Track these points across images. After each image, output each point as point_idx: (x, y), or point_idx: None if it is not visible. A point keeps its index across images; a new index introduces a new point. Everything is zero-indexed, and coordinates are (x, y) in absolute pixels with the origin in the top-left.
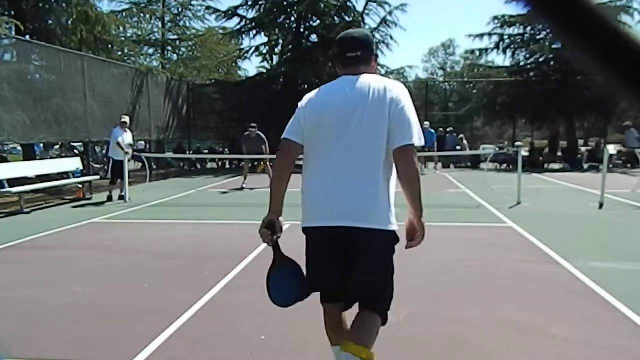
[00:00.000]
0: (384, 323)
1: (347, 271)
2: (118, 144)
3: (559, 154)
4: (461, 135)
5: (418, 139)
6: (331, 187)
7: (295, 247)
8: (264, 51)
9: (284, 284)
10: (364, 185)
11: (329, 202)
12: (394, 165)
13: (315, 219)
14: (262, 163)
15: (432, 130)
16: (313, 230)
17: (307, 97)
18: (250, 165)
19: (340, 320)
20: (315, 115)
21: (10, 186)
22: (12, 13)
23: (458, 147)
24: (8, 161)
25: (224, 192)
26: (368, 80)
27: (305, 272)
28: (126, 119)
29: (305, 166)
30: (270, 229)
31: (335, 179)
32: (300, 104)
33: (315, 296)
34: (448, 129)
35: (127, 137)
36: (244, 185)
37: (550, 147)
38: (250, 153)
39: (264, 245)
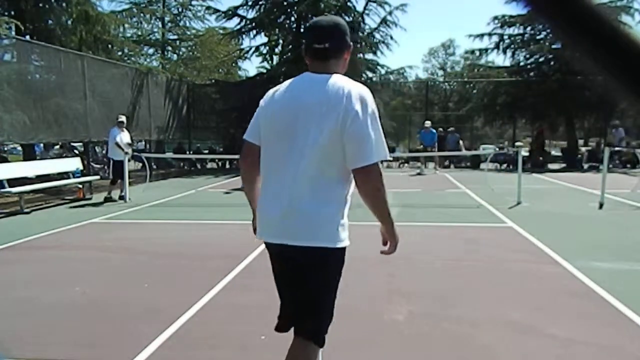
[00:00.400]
0: (322, 346)
1: (299, 286)
2: (117, 144)
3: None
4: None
5: (384, 154)
6: (273, 196)
7: None
8: (264, 51)
9: None
10: (308, 197)
11: (275, 215)
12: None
13: (263, 233)
14: None
15: (434, 130)
16: (265, 244)
17: (268, 94)
18: None
19: (297, 354)
20: (270, 116)
21: (10, 186)
22: (12, 13)
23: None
24: (8, 161)
25: (227, 192)
26: (332, 83)
27: None
28: (123, 118)
29: (262, 168)
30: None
31: (284, 190)
32: (261, 102)
33: None
34: (449, 129)
35: (125, 137)
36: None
37: (534, 146)
38: None
39: (264, 245)
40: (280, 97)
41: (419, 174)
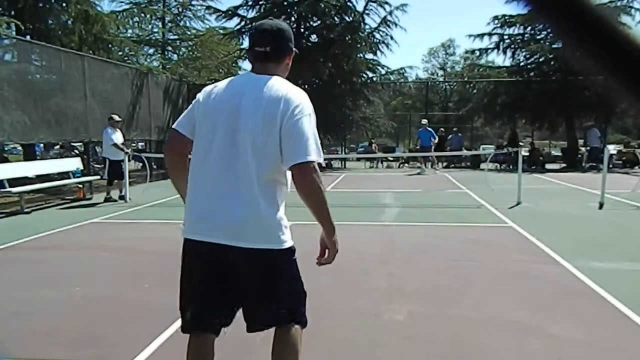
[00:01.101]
0: (305, 326)
1: (229, 297)
2: (115, 145)
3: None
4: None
5: (320, 156)
6: (214, 195)
7: (295, 242)
8: None
9: None
10: (246, 198)
11: (204, 211)
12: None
13: (191, 230)
14: None
15: (430, 129)
16: (189, 242)
17: (207, 89)
18: None
19: (207, 350)
20: (206, 112)
21: (11, 186)
22: (12, 13)
23: (462, 148)
24: (8, 161)
25: None
26: (271, 84)
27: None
28: (116, 117)
29: (191, 166)
30: None
31: (218, 186)
32: (198, 95)
33: (316, 298)
34: (453, 129)
35: (119, 136)
36: None
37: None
38: None
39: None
40: (220, 95)
41: (418, 174)
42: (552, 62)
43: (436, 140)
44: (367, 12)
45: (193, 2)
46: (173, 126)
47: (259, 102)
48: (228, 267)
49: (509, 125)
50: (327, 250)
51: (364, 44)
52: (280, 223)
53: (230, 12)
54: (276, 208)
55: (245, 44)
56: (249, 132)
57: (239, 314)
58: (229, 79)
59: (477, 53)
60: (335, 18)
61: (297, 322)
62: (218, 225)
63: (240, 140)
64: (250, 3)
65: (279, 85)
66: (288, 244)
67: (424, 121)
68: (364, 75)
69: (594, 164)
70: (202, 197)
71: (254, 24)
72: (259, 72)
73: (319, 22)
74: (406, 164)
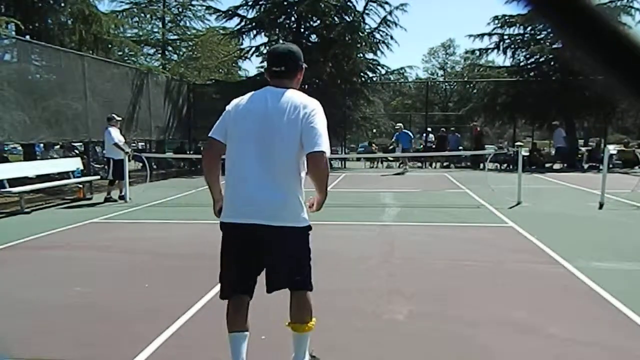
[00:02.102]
0: (311, 289)
1: (256, 263)
2: (116, 144)
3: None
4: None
5: (327, 148)
6: (248, 185)
7: None
8: (264, 51)
9: None
10: (278, 186)
11: (243, 201)
12: (305, 168)
13: (231, 216)
14: None
15: (407, 132)
16: (227, 226)
17: (235, 102)
18: None
19: (245, 308)
20: (238, 119)
21: (11, 186)
22: (12, 12)
23: (460, 148)
24: (8, 161)
25: None
26: (288, 95)
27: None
28: (116, 116)
29: (226, 164)
30: (220, 212)
31: (252, 179)
32: (227, 107)
33: (316, 298)
34: (451, 129)
35: (119, 136)
36: None
37: (476, 148)
38: None
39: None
40: (247, 105)
41: (399, 173)
42: (552, 62)
43: (413, 140)
44: (367, 12)
45: (193, 2)
46: (210, 135)
47: (282, 109)
48: (263, 242)
49: (475, 125)
50: (315, 204)
51: (364, 43)
52: (302, 206)
53: (230, 12)
54: (300, 194)
55: (245, 44)
56: (277, 133)
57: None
58: (253, 92)
59: (477, 53)
60: (335, 18)
61: (308, 289)
62: (258, 210)
63: (270, 140)
64: (250, 3)
65: (297, 96)
66: (307, 222)
67: (399, 125)
68: (364, 75)
69: (565, 164)
70: (242, 188)
71: (269, 47)
72: (276, 86)
73: (319, 22)
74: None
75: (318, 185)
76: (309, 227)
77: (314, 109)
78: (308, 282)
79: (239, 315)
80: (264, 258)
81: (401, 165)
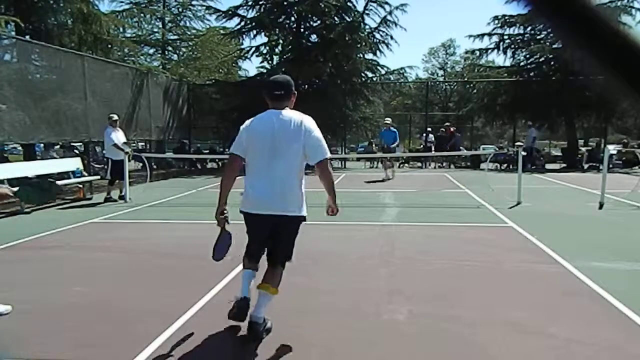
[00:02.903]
0: (285, 263)
1: (268, 241)
2: (115, 145)
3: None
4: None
5: (328, 153)
6: (262, 186)
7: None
8: (264, 51)
9: (223, 247)
10: (286, 186)
11: (263, 196)
12: (303, 172)
13: (251, 208)
14: None
15: (395, 130)
16: (249, 214)
17: (248, 122)
18: None
19: (256, 262)
20: (252, 137)
21: (11, 186)
22: (12, 12)
23: (461, 148)
24: (8, 161)
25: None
26: (289, 115)
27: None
28: (115, 116)
29: (247, 171)
30: (222, 214)
31: (265, 181)
32: (242, 127)
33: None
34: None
35: (120, 136)
36: None
37: (440, 148)
38: None
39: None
40: (257, 125)
41: (383, 180)
42: (552, 62)
43: (397, 142)
44: (367, 12)
45: (193, 2)
46: (231, 151)
47: (287, 127)
48: (275, 226)
49: (448, 125)
50: (330, 209)
51: (364, 44)
52: (303, 201)
53: (230, 12)
54: (302, 191)
55: (245, 44)
56: (284, 146)
57: None
58: (261, 114)
59: (477, 53)
60: (335, 18)
61: (286, 263)
62: (273, 203)
63: (279, 151)
64: (250, 3)
65: (295, 115)
66: (305, 213)
67: (388, 120)
68: (364, 75)
69: (534, 166)
70: (261, 188)
71: (270, 79)
72: (277, 108)
73: (319, 22)
74: (406, 164)
75: (327, 187)
76: (305, 218)
77: (310, 123)
78: (289, 259)
79: (251, 264)
80: (271, 238)
81: (388, 169)
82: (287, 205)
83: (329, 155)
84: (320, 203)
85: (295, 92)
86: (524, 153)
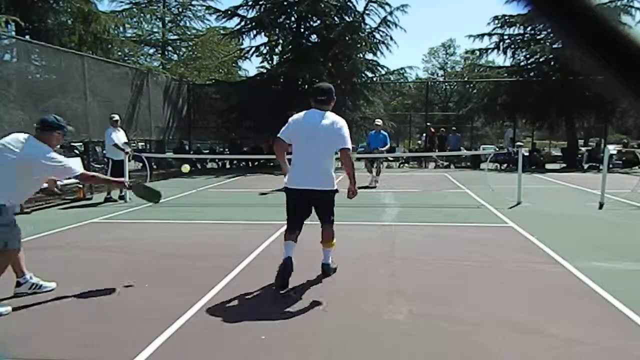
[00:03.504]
0: (333, 222)
1: (306, 211)
2: (115, 145)
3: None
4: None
5: (350, 145)
6: (304, 166)
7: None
8: (264, 51)
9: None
10: (321, 167)
11: (304, 175)
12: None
13: (292, 184)
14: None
15: (385, 132)
16: (291, 189)
17: (295, 116)
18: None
19: (296, 234)
20: (296, 127)
21: None
22: (12, 12)
23: (461, 148)
24: None
25: (263, 194)
26: (327, 115)
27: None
28: (116, 116)
29: (293, 154)
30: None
31: (306, 163)
32: (290, 119)
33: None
34: (452, 128)
35: (121, 136)
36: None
37: (429, 149)
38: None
39: (264, 245)
40: (302, 120)
41: (367, 186)
42: (552, 62)
43: (387, 147)
44: (367, 12)
45: (193, 2)
46: (279, 135)
47: (323, 123)
48: (313, 199)
49: (429, 125)
50: (350, 192)
51: (364, 44)
52: (333, 177)
53: (230, 12)
54: (332, 171)
55: (245, 44)
56: (321, 137)
57: None
58: (306, 111)
59: (477, 53)
60: (336, 18)
61: (332, 222)
62: (310, 180)
63: (316, 141)
64: (250, 3)
65: (332, 116)
66: (335, 187)
67: (378, 122)
68: (364, 75)
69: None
70: (302, 168)
71: (315, 85)
72: (319, 109)
73: (319, 22)
74: (406, 164)
75: (348, 173)
76: (337, 190)
77: (341, 123)
78: (333, 218)
79: (292, 236)
80: (313, 208)
81: (371, 174)
82: (321, 182)
83: (349, 147)
84: None
85: (335, 98)
86: (504, 151)
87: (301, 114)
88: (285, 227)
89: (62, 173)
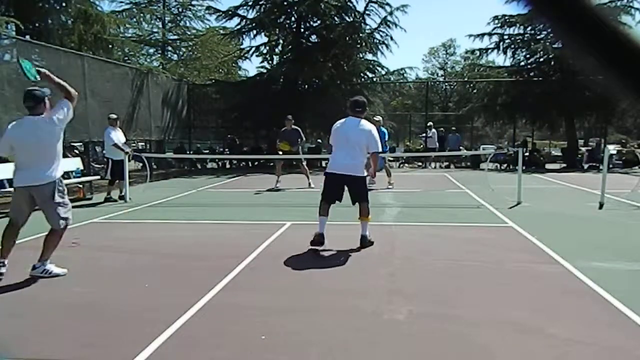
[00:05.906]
0: (368, 201)
1: (341, 192)
2: (115, 145)
3: (558, 153)
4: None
5: (379, 149)
6: (342, 157)
7: (295, 242)
8: (264, 51)
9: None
10: (355, 160)
11: (340, 164)
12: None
13: (331, 169)
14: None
15: (384, 129)
16: (330, 173)
17: (338, 122)
18: (282, 163)
19: (327, 209)
20: (338, 131)
21: (11, 186)
22: (12, 12)
23: (461, 148)
24: (8, 161)
25: (257, 193)
26: (362, 123)
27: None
28: (114, 115)
29: (334, 149)
30: None
31: (344, 155)
32: (334, 126)
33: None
34: (452, 128)
35: (120, 136)
36: (278, 186)
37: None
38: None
39: (264, 245)
40: (342, 126)
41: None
42: (552, 62)
43: (379, 145)
44: (367, 12)
45: (193, 2)
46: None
47: (358, 129)
48: (347, 183)
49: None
50: (370, 172)
51: (364, 44)
52: (363, 168)
53: (230, 12)
54: (364, 163)
55: (245, 44)
56: (355, 139)
57: None
58: (346, 119)
59: (477, 53)
60: (336, 18)
61: (366, 201)
62: (346, 167)
63: (352, 142)
64: (250, 3)
65: (366, 123)
66: (365, 174)
67: (377, 118)
68: (364, 75)
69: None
70: (340, 159)
71: (354, 98)
72: (356, 117)
73: (319, 22)
74: (406, 164)
75: (373, 164)
76: (366, 177)
77: (373, 130)
78: (366, 198)
79: (324, 211)
80: (347, 190)
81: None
82: (353, 169)
83: (379, 150)
84: (315, 203)
85: (367, 109)
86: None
87: (343, 120)
88: (286, 226)
89: (67, 109)
